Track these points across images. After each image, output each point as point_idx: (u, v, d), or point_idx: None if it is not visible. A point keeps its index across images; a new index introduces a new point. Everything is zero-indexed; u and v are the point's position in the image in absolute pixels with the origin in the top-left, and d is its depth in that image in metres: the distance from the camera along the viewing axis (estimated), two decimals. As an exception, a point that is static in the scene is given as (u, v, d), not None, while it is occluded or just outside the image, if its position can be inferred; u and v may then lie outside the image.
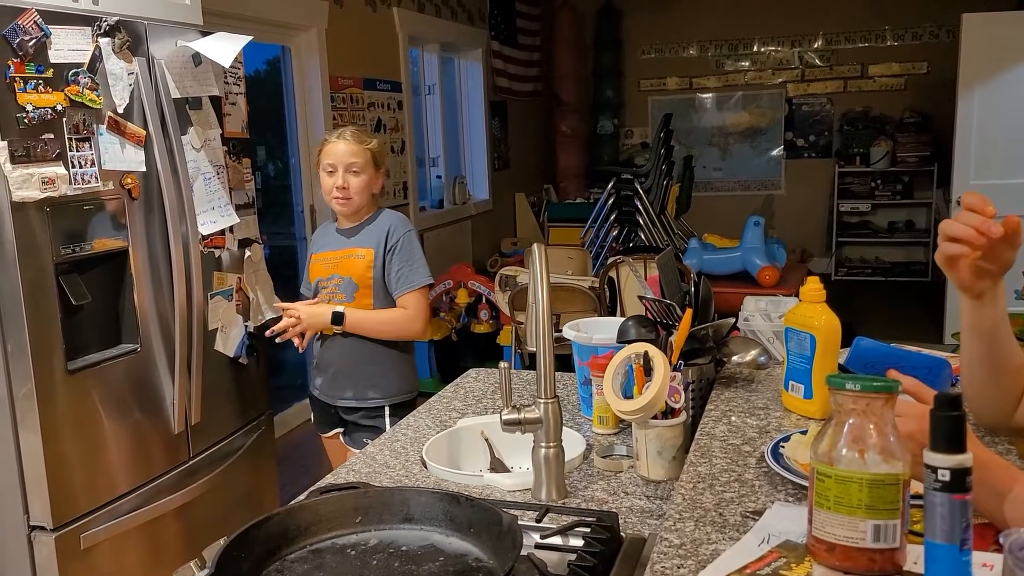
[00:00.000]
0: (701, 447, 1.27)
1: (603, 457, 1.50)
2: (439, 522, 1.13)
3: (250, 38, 2.31)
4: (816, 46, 7.54)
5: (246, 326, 2.53)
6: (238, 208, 2.46)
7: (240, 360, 2.51)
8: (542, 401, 1.36)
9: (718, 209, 7.67)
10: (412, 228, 2.39)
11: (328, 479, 1.47)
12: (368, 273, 2.30)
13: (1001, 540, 0.70)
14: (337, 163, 2.27)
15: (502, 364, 1.42)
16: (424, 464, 1.53)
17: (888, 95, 7.41)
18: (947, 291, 5.17)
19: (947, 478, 0.74)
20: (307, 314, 2.30)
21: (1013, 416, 1.24)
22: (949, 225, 1.10)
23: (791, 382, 1.41)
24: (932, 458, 0.76)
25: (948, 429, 0.75)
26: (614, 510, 1.27)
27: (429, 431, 1.71)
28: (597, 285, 3.96)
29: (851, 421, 0.85)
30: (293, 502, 1.21)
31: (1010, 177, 4.96)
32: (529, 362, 4.14)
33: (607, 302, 3.92)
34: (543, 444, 1.36)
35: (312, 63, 4.30)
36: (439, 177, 5.97)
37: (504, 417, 1.37)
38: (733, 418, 1.43)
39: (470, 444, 1.67)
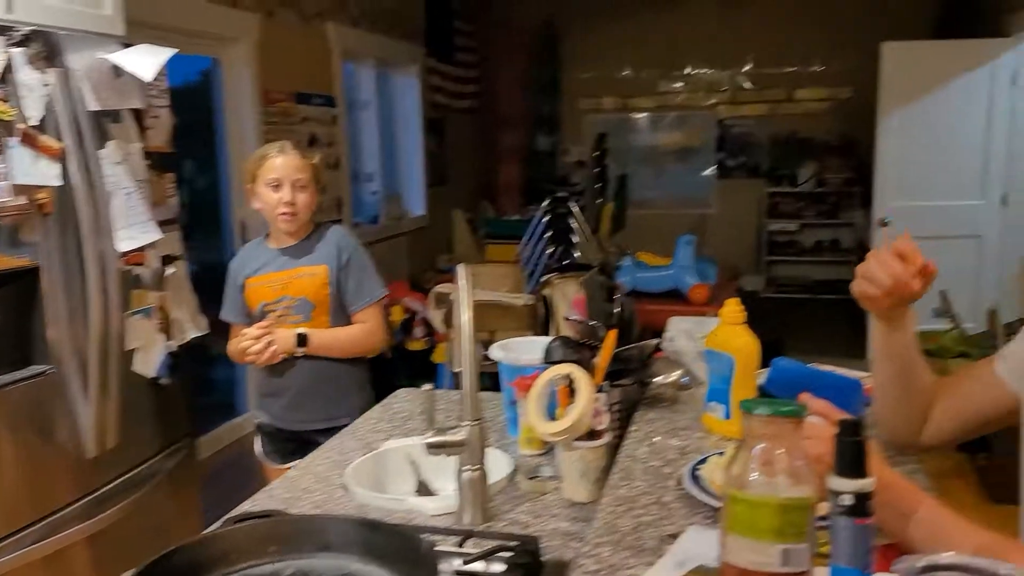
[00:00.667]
0: (622, 469, 1.28)
1: (529, 479, 1.49)
2: (357, 550, 1.10)
3: (174, 51, 2.26)
4: (746, 70, 7.73)
5: (167, 345, 2.46)
6: (161, 224, 2.39)
7: (161, 381, 2.44)
8: (466, 423, 1.35)
9: (653, 227, 7.77)
10: (359, 241, 2.36)
11: (245, 506, 1.43)
12: (324, 291, 2.24)
13: (893, 569, 0.71)
14: (283, 178, 2.20)
15: (426, 386, 1.41)
16: (346, 489, 1.51)
17: (814, 118, 7.64)
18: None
19: (850, 502, 0.76)
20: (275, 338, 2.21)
21: (922, 435, 1.28)
22: (870, 269, 1.13)
23: (711, 403, 1.43)
24: (836, 483, 0.77)
25: (851, 454, 0.76)
26: (538, 533, 1.26)
27: (353, 454, 1.68)
28: (532, 303, 3.97)
29: (761, 445, 0.86)
30: (206, 531, 1.18)
31: (928, 199, 5.15)
32: (463, 380, 4.12)
33: (542, 320, 3.92)
34: (467, 467, 1.36)
35: (243, 76, 4.23)
36: (374, 193, 5.93)
37: (428, 440, 1.36)
38: (656, 439, 1.44)
39: (396, 467, 1.65)
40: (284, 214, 2.22)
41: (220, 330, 2.48)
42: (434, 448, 1.35)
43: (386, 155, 6.17)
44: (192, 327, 2.55)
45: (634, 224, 7.49)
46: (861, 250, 6.24)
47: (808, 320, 6.91)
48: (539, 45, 7.92)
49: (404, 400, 2.03)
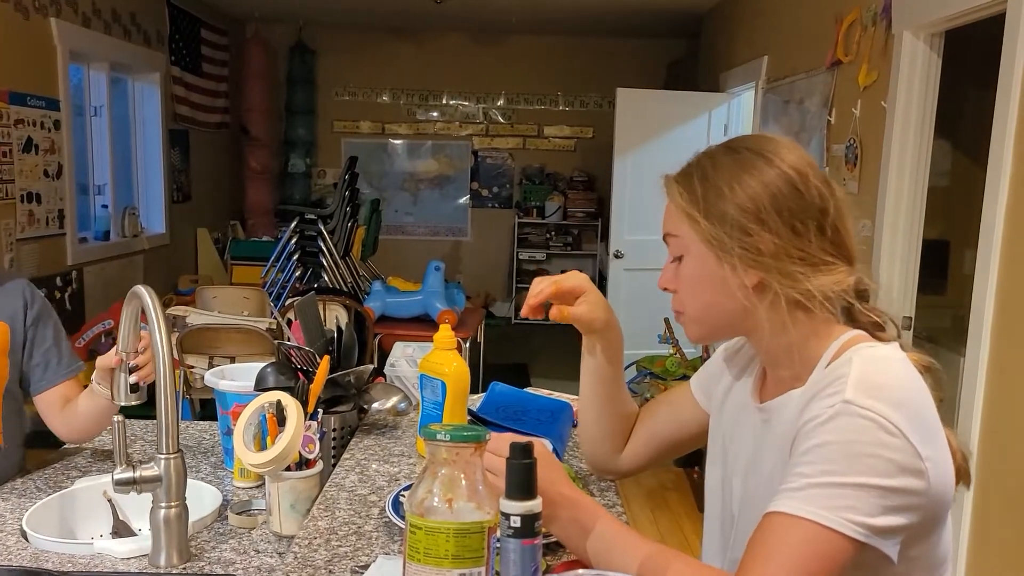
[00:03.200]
0: (327, 500, 1.24)
1: (238, 513, 1.42)
2: (13, 605, 0.98)
3: None
4: (499, 104, 8.04)
5: None
6: None
7: None
8: (162, 457, 1.26)
9: (409, 253, 7.84)
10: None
11: None
12: (3, 360, 1.68)
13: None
14: None
15: (117, 418, 1.30)
16: (24, 535, 1.34)
17: (561, 154, 8.10)
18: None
19: (518, 524, 0.78)
20: None
21: (620, 459, 1.36)
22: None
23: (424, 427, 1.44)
24: (506, 505, 0.79)
25: (519, 477, 0.79)
26: (241, 571, 1.20)
27: (39, 494, 1.50)
28: (275, 327, 3.83)
29: (443, 471, 0.87)
30: None
31: (655, 234, 5.59)
32: (200, 409, 3.88)
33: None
34: (163, 504, 1.26)
35: (-60, 68, 3.73)
36: (105, 206, 5.45)
37: (116, 476, 1.25)
38: (374, 466, 1.42)
39: (90, 507, 1.50)
40: None
41: None
42: (122, 485, 1.25)
43: (121, 167, 5.70)
44: None
45: (392, 249, 7.50)
46: (601, 280, 6.68)
47: (553, 344, 7.25)
48: (295, 64, 7.75)
49: (110, 433, 1.85)
